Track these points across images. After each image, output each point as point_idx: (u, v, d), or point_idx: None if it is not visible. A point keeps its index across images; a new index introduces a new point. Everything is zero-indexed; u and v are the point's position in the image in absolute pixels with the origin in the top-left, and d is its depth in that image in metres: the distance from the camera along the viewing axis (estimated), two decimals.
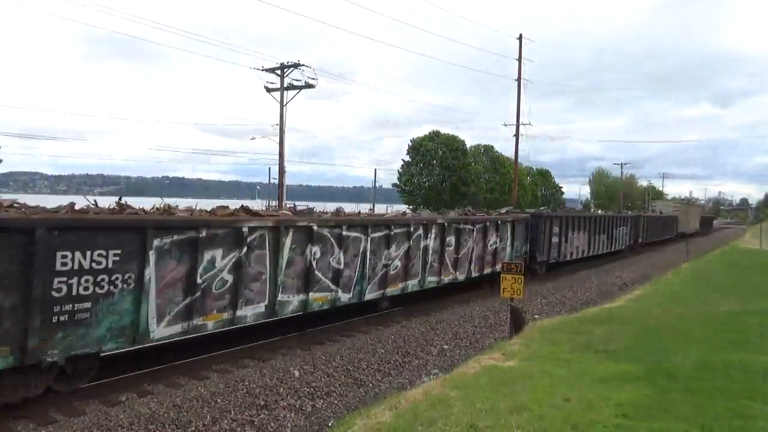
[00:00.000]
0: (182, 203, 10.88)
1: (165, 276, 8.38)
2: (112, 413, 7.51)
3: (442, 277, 15.63)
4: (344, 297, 12.02)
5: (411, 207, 49.66)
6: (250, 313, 9.85)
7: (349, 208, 16.40)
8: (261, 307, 10.05)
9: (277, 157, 31.36)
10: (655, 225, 42.73)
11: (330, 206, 15.60)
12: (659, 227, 44.53)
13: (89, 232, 7.45)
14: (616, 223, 31.65)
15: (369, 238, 12.60)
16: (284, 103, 30.39)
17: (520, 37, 37.80)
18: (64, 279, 7.16)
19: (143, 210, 8.83)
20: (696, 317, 12.07)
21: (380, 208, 39.59)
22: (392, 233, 13.40)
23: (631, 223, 35.13)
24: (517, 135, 38.31)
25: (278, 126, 30.65)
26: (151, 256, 8.10)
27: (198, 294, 8.83)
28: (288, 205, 20.00)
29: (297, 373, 9.45)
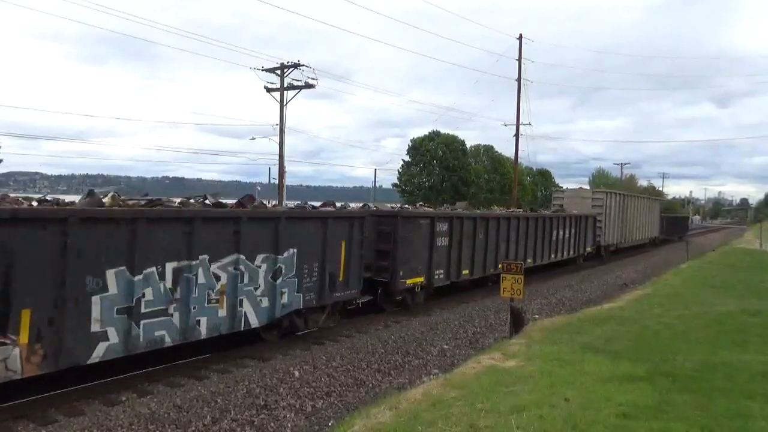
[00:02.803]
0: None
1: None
2: (112, 413, 7.50)
3: None
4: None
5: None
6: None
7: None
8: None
9: (278, 157, 31.39)
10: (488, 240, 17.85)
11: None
12: (515, 244, 19.56)
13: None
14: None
15: None
16: (284, 103, 30.39)
17: (520, 37, 37.78)
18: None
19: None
20: (696, 317, 12.06)
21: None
22: None
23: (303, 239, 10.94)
24: (517, 135, 38.31)
25: (278, 126, 30.67)
26: None
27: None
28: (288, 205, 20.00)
29: (297, 373, 9.45)
